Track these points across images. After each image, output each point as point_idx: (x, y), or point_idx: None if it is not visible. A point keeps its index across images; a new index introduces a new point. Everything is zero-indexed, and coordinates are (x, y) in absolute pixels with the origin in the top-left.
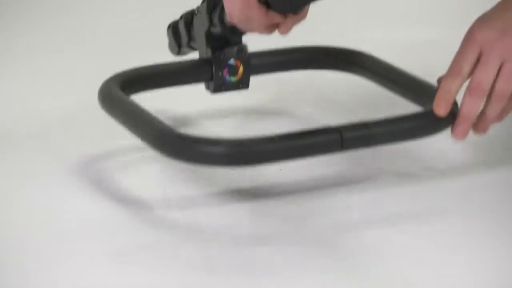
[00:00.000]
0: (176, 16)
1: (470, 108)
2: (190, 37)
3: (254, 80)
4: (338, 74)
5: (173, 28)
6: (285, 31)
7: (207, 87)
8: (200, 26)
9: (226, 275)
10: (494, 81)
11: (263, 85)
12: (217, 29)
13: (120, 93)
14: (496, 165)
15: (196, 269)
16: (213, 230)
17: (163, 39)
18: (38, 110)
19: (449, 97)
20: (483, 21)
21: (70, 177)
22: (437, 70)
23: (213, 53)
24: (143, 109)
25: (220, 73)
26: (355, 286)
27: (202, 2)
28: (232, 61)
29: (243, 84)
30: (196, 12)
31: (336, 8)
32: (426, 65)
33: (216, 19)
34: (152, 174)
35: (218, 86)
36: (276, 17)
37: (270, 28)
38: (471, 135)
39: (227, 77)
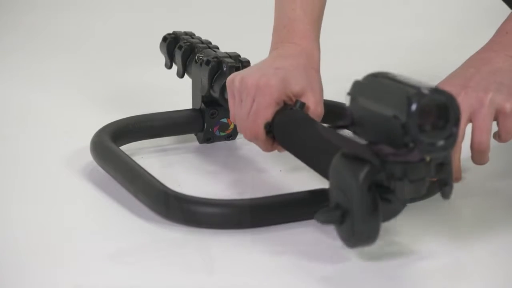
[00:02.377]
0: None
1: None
2: (186, 70)
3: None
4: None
5: (168, 46)
6: (283, 151)
7: (196, 135)
8: (199, 84)
9: (226, 275)
10: (472, 135)
11: None
12: (215, 95)
13: (112, 145)
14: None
15: (196, 269)
16: (213, 230)
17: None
18: (38, 109)
19: None
20: (446, 80)
21: (71, 178)
22: (437, 70)
23: (207, 110)
24: (136, 165)
25: (210, 129)
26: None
27: (207, 64)
28: (224, 120)
29: (231, 136)
30: (196, 60)
31: (337, 10)
32: (426, 66)
33: (216, 88)
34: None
35: (207, 139)
36: (279, 148)
37: (272, 150)
38: None
39: (217, 132)
